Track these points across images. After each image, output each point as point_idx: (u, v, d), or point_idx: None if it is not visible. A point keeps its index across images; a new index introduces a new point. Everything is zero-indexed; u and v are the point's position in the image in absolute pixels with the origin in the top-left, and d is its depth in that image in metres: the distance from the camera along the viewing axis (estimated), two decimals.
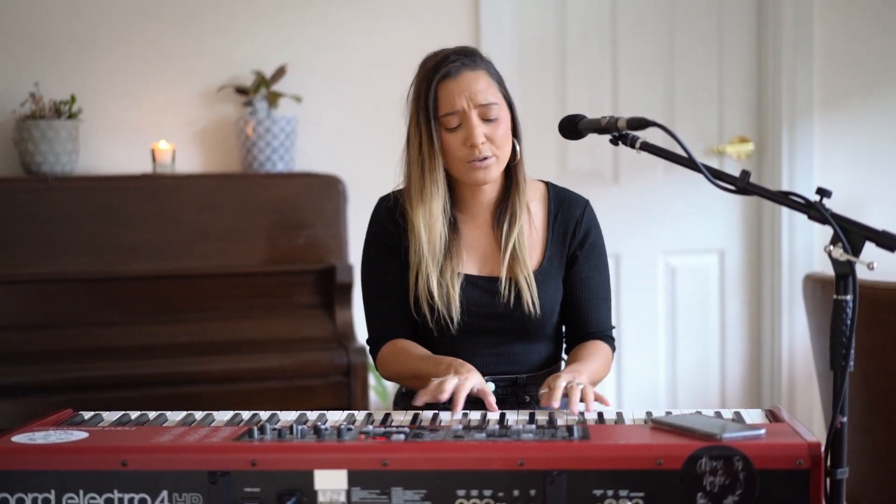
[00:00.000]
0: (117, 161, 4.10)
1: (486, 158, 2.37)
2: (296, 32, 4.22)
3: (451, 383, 2.16)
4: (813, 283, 3.24)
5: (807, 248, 4.44)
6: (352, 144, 4.26)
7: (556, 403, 2.14)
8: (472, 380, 2.20)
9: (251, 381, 3.66)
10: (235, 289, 3.85)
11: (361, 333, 3.81)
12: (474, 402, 2.20)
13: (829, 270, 3.49)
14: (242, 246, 3.90)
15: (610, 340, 2.55)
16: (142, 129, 4.11)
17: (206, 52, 4.17)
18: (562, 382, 2.19)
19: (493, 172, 2.40)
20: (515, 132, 2.45)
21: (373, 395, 4.14)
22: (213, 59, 4.16)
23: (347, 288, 3.86)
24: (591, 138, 2.32)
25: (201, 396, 3.56)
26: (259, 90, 4.07)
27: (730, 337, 4.61)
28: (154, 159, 3.98)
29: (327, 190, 3.96)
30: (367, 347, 2.58)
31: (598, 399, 2.16)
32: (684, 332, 4.60)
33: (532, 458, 1.82)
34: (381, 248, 2.52)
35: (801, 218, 4.37)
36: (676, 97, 4.50)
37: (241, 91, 4.11)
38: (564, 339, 2.59)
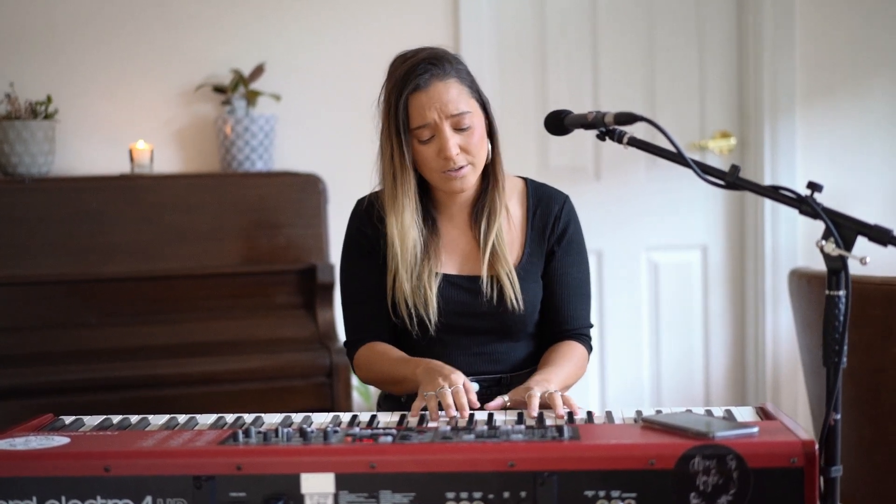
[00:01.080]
0: (95, 161, 4.07)
1: (461, 168, 2.35)
2: (274, 31, 4.19)
3: (449, 399, 2.10)
4: (799, 279, 3.23)
5: (790, 243, 4.44)
6: (331, 143, 4.23)
7: (535, 413, 2.10)
8: (460, 381, 2.17)
9: (232, 382, 3.63)
10: (215, 289, 3.82)
11: (343, 334, 3.79)
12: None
13: (813, 265, 3.48)
14: (222, 246, 3.87)
15: (585, 339, 2.52)
16: (119, 129, 4.08)
17: (183, 51, 4.13)
18: (537, 392, 2.16)
19: (470, 180, 2.39)
20: (491, 132, 2.42)
21: (356, 396, 4.12)
22: (190, 58, 4.13)
23: (329, 288, 3.83)
24: (573, 134, 2.30)
25: (182, 398, 3.53)
26: (237, 89, 4.04)
27: (713, 333, 4.60)
28: (132, 159, 3.94)
29: (307, 189, 3.93)
30: (345, 350, 2.57)
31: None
32: (668, 329, 4.59)
33: (522, 458, 1.80)
34: (358, 252, 2.50)
35: (785, 213, 4.37)
36: (657, 92, 4.49)
37: (220, 90, 4.07)
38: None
